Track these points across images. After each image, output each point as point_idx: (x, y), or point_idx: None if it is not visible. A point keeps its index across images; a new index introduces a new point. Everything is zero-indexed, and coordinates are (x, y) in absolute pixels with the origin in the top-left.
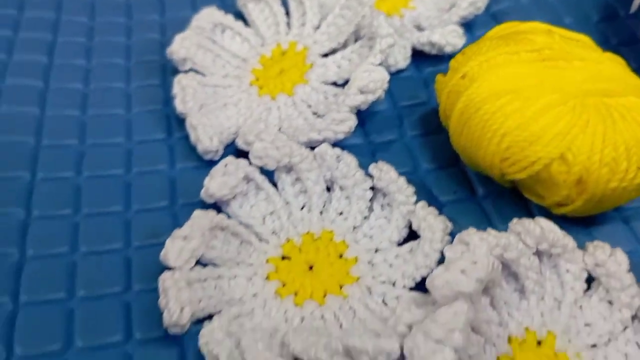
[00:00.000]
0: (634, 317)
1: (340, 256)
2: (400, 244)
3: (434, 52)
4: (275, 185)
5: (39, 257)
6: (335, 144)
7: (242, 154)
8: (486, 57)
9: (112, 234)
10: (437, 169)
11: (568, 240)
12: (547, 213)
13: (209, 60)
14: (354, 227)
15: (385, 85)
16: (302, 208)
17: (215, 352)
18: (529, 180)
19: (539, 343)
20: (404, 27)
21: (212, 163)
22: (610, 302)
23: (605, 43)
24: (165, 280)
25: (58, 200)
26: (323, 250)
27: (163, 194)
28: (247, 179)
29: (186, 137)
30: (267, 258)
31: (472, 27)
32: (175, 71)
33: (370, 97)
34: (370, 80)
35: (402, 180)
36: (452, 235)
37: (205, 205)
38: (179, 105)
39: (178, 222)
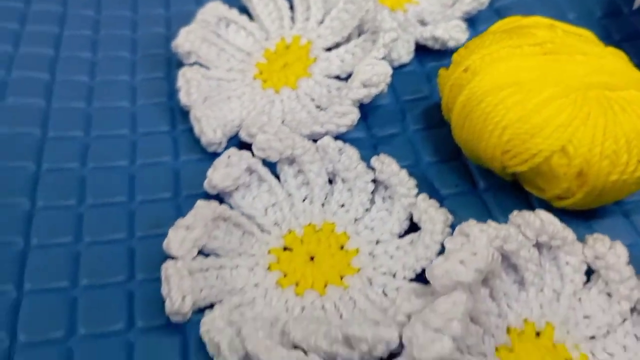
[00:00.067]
0: (632, 310)
1: (342, 247)
2: (401, 236)
3: (437, 46)
4: (277, 177)
5: (44, 246)
6: (338, 137)
7: (245, 146)
8: (489, 50)
9: (116, 225)
10: (438, 162)
11: (568, 233)
12: (547, 206)
13: (214, 54)
14: (356, 219)
15: (388, 79)
16: (304, 200)
17: (216, 340)
18: (529, 173)
19: (537, 334)
20: (408, 21)
21: (215, 155)
22: (609, 295)
23: (608, 39)
24: (168, 268)
25: (63, 191)
26: (324, 242)
27: (167, 185)
28: (250, 171)
29: (190, 130)
30: (268, 249)
31: (476, 22)
32: (180, 64)
33: (373, 91)
34: (373, 74)
35: (404, 173)
36: (453, 227)
37: (208, 197)
38: (183, 98)
39: (181, 213)
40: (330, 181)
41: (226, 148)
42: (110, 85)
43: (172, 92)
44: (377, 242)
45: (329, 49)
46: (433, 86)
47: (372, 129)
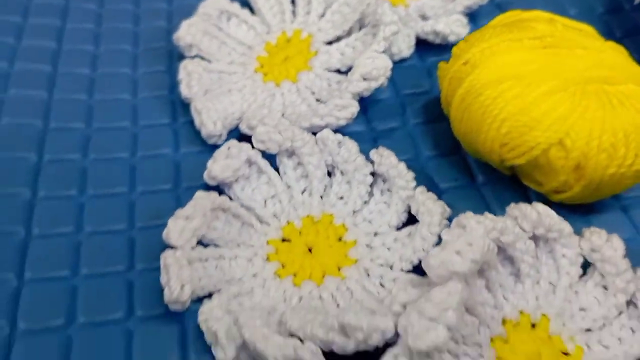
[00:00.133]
0: (628, 302)
1: (340, 239)
2: (399, 228)
3: (437, 41)
4: (277, 169)
5: (45, 236)
6: (338, 131)
7: (246, 138)
8: (489, 44)
9: (116, 215)
10: (438, 156)
11: (564, 225)
12: (545, 201)
13: (215, 47)
14: (354, 211)
15: (388, 73)
16: (303, 192)
17: (214, 329)
18: (527, 166)
19: (533, 326)
20: (409, 16)
21: (215, 147)
22: (605, 287)
23: (610, 35)
24: (167, 257)
25: (64, 182)
26: (323, 233)
27: (167, 177)
28: (250, 163)
29: (191, 122)
30: (267, 240)
31: (477, 17)
32: (182, 58)
33: (373, 84)
34: (373, 68)
35: (402, 166)
36: (451, 220)
37: (208, 189)
38: (184, 90)
39: (181, 204)
40: (330, 174)
41: (226, 140)
42: (112, 77)
43: (174, 85)
44: (375, 234)
45: (329, 43)
46: (433, 81)
47: (372, 122)
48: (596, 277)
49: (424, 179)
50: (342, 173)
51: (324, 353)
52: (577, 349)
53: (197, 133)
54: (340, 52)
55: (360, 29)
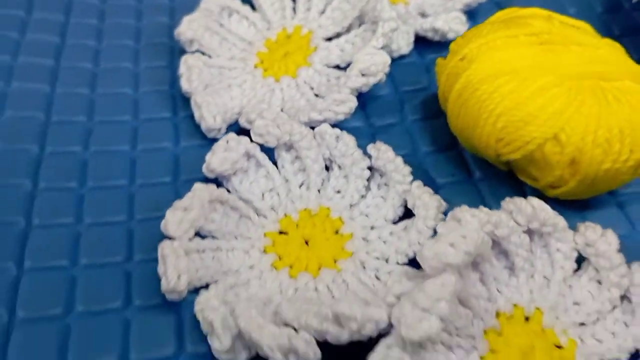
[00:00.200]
0: (622, 297)
1: (336, 232)
2: (395, 222)
3: (436, 38)
4: (275, 162)
5: (45, 226)
6: (336, 126)
7: (245, 133)
8: (486, 39)
9: (116, 207)
10: (435, 151)
11: (559, 220)
12: (541, 196)
13: (216, 43)
14: (351, 205)
15: (387, 69)
16: (300, 185)
17: (209, 319)
18: (523, 161)
19: (526, 319)
20: (409, 13)
21: (215, 141)
22: (599, 282)
23: (608, 33)
24: (164, 248)
25: (65, 173)
26: (319, 226)
27: (167, 170)
28: (248, 156)
29: (191, 117)
30: (264, 232)
31: (476, 15)
32: (183, 53)
33: (372, 80)
34: (372, 63)
35: (399, 160)
36: (446, 214)
37: (207, 182)
38: (185, 84)
39: (180, 197)
40: (327, 168)
41: (226, 134)
42: (114, 72)
43: (174, 80)
44: (372, 227)
45: (329, 39)
46: (432, 77)
47: (370, 118)
48: (590, 272)
49: (421, 175)
50: (339, 167)
51: (319, 343)
52: (570, 342)
53: (197, 127)
54: (340, 49)
55: (359, 25)
